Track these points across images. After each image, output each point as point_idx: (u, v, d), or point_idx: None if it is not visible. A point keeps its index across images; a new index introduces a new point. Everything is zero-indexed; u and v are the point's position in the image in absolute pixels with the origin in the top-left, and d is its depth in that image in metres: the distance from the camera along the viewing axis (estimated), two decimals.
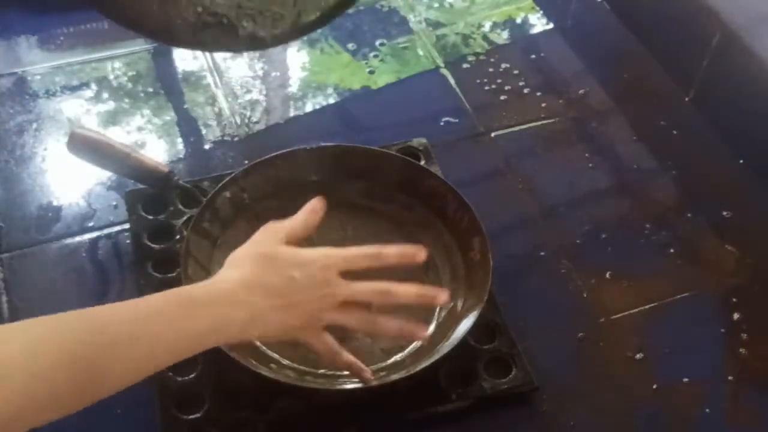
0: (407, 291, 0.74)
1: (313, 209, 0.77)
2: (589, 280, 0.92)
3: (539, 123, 1.10)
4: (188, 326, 0.64)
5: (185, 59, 1.16)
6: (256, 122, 1.08)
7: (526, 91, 1.14)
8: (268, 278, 0.70)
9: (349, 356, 0.75)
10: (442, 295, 0.75)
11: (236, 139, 1.06)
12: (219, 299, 0.67)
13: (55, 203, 0.98)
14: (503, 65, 1.17)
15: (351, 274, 0.73)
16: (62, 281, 0.90)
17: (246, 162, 0.95)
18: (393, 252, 0.75)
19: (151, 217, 0.93)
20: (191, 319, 0.65)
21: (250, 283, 0.69)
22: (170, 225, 0.92)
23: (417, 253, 0.75)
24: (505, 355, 0.83)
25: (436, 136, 1.03)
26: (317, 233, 0.77)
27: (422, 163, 0.98)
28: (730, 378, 0.84)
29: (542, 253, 0.95)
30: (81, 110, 1.09)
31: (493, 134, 1.08)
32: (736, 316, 0.89)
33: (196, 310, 0.65)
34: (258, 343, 0.82)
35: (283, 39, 0.99)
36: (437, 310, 0.86)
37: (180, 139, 1.06)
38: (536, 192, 1.01)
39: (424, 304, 0.77)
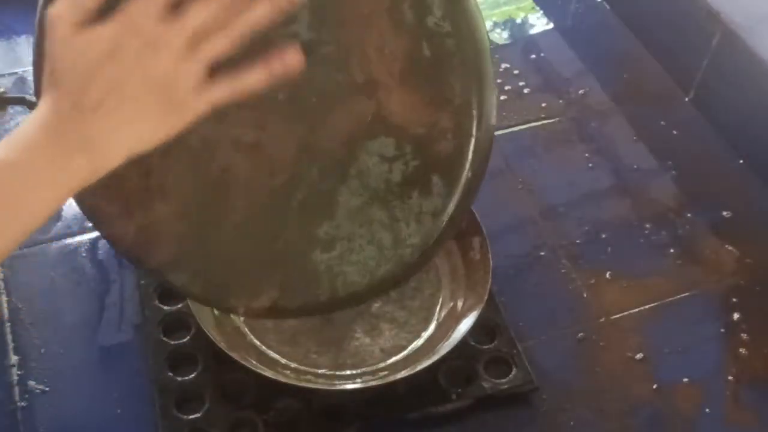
0: None
1: None
2: (589, 280, 0.92)
3: (539, 123, 1.10)
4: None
5: None
6: None
7: (526, 91, 1.14)
8: (75, 87, 0.51)
9: (249, 73, 0.55)
10: None
11: None
12: (23, 154, 0.51)
13: None
14: (503, 65, 1.16)
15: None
16: (62, 281, 0.90)
17: None
18: None
19: None
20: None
21: (56, 107, 0.52)
22: None
23: None
24: (505, 355, 0.83)
25: None
26: None
27: None
28: (730, 378, 0.84)
29: (542, 253, 0.95)
30: None
31: None
32: (736, 316, 0.89)
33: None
34: (258, 343, 0.83)
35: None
36: (437, 309, 0.86)
37: None
38: (536, 192, 1.01)
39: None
